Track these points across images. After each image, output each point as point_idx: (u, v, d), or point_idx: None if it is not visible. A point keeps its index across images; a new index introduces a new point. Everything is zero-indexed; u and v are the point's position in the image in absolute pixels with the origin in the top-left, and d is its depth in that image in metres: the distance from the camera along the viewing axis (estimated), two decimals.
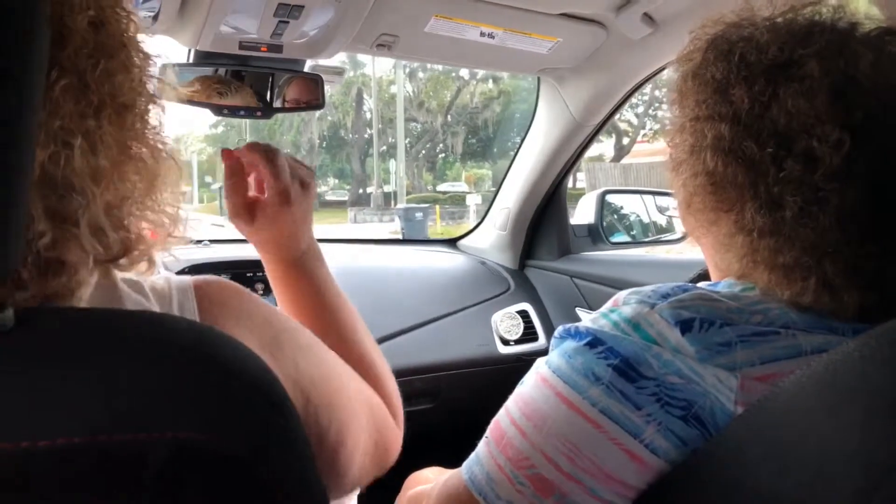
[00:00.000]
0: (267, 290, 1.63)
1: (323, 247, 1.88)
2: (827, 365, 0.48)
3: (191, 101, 1.32)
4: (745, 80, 0.60)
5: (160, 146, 0.50)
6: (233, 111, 1.42)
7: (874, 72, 0.57)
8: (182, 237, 0.54)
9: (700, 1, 1.19)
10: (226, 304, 0.53)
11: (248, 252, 1.70)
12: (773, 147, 0.58)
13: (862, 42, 0.59)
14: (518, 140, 1.91)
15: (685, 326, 0.55)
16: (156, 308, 0.49)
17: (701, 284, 0.66)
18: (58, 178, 0.41)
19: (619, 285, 1.62)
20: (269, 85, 1.44)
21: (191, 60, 1.33)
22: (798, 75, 0.58)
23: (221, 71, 1.38)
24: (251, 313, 0.54)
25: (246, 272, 1.63)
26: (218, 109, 1.40)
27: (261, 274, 1.63)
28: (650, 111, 21.02)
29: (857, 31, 0.61)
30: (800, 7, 0.63)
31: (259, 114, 1.46)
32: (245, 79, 1.41)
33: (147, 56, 0.49)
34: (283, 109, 1.49)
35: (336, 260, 1.80)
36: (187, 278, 0.53)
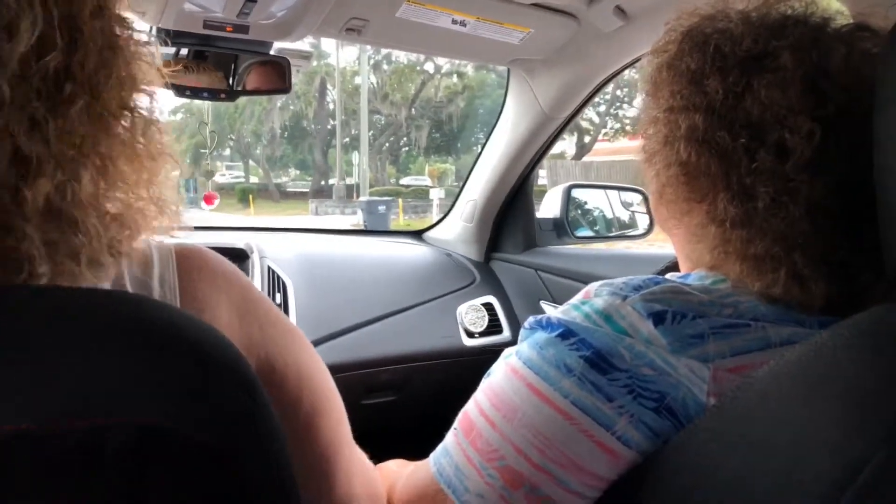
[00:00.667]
0: None
1: (284, 236, 1.86)
2: (800, 356, 0.48)
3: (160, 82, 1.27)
4: (719, 71, 0.60)
5: (160, 146, 0.48)
6: (196, 92, 1.38)
7: (846, 66, 0.57)
8: (167, 226, 0.51)
9: None
10: (204, 267, 0.51)
11: (209, 240, 1.66)
12: (746, 138, 0.58)
13: (834, 37, 0.60)
14: (482, 135, 1.92)
15: (658, 318, 0.55)
16: (136, 271, 0.47)
17: (670, 276, 0.66)
18: (63, 212, 0.38)
19: (584, 279, 1.63)
20: (234, 67, 1.40)
21: (153, 39, 1.28)
22: (772, 67, 0.58)
23: (184, 51, 1.33)
24: (229, 278, 0.53)
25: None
26: (180, 90, 1.36)
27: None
28: (611, 110, 21.31)
29: (830, 25, 0.62)
30: (773, 2, 0.64)
31: (223, 96, 1.42)
32: (208, 59, 1.37)
33: (145, 43, 0.46)
34: (247, 92, 1.45)
35: (301, 249, 1.77)
36: (169, 244, 0.51)
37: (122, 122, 0.44)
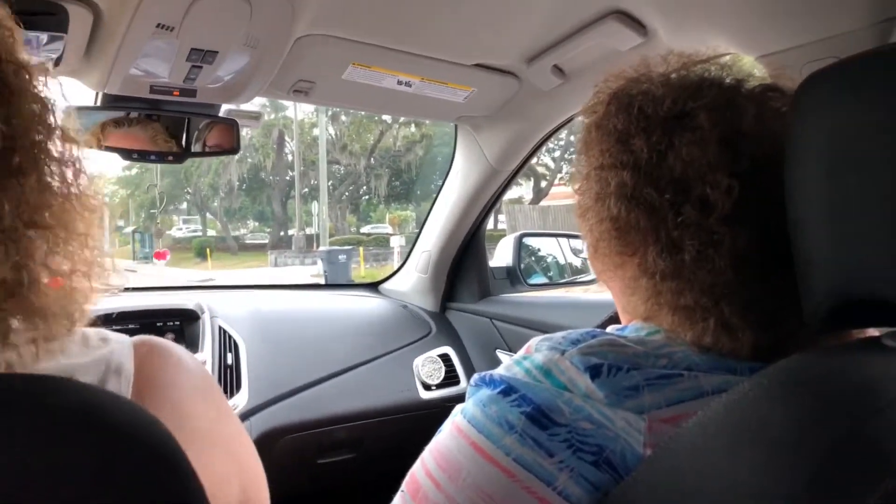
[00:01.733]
0: (178, 340, 1.57)
1: (238, 294, 1.84)
2: (726, 405, 0.50)
3: (99, 146, 1.27)
4: (643, 131, 0.63)
5: (91, 201, 0.49)
6: (143, 156, 1.38)
7: (757, 124, 0.61)
8: (113, 286, 0.52)
9: (604, 56, 1.26)
10: (160, 352, 0.52)
11: (158, 301, 1.63)
12: (671, 193, 0.60)
13: (747, 97, 0.64)
14: (440, 183, 1.94)
15: (594, 372, 0.56)
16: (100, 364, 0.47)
17: (610, 329, 0.67)
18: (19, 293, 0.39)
19: (538, 326, 1.65)
20: (186, 128, 1.41)
21: (98, 103, 1.29)
22: (691, 126, 0.61)
23: (134, 114, 1.34)
24: (185, 363, 0.54)
25: (156, 322, 1.56)
26: (127, 154, 1.35)
27: (171, 323, 1.56)
28: (566, 156, 21.79)
29: (743, 87, 0.65)
30: (691, 64, 0.68)
31: (171, 158, 1.42)
32: (160, 122, 1.37)
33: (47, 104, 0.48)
34: (197, 154, 1.46)
35: (256, 306, 1.75)
36: (125, 337, 0.52)
37: (59, 183, 0.45)
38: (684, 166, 0.60)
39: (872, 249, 0.48)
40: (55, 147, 0.46)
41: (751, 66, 0.73)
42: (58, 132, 0.47)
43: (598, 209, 0.66)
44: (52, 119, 0.47)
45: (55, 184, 0.46)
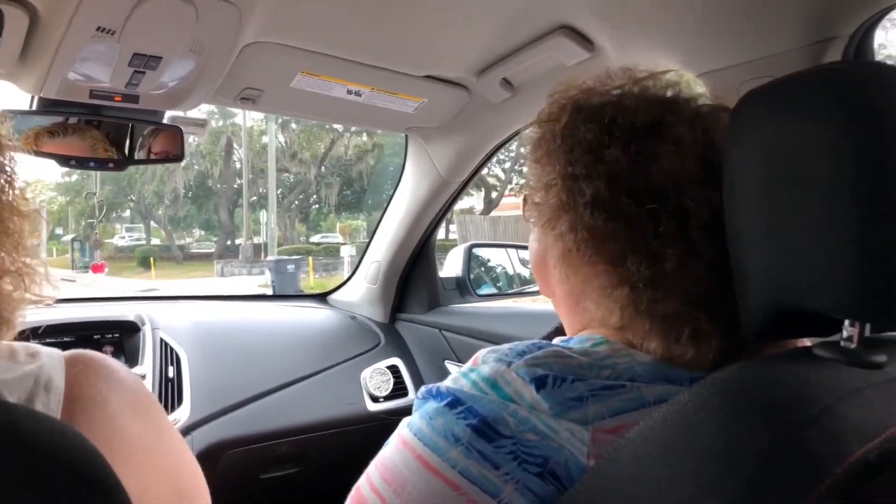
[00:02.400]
0: (116, 353, 1.52)
1: (181, 305, 1.79)
2: (666, 415, 0.51)
3: (35, 152, 1.22)
4: (619, 141, 0.63)
5: (24, 207, 0.47)
6: (81, 162, 1.33)
7: (722, 139, 0.63)
8: (45, 296, 0.50)
9: (551, 70, 1.28)
10: (92, 367, 0.50)
11: (96, 312, 1.57)
12: (651, 204, 0.61)
13: (709, 114, 0.66)
14: (392, 192, 1.93)
15: (539, 383, 0.56)
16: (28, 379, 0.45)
17: (556, 340, 0.68)
18: None
19: (487, 337, 1.66)
20: (129, 135, 1.37)
21: (34, 107, 1.24)
22: (671, 138, 0.62)
23: (73, 120, 1.29)
24: (120, 377, 0.52)
25: (93, 334, 1.51)
26: (64, 160, 1.31)
27: (109, 336, 1.51)
28: (516, 167, 22.05)
29: (702, 104, 0.67)
30: (641, 79, 0.69)
31: (112, 165, 1.38)
32: (101, 129, 1.33)
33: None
34: (140, 161, 1.42)
35: (200, 318, 1.71)
36: (57, 352, 0.50)
37: None
38: (665, 177, 0.61)
39: (805, 263, 0.50)
40: None
41: (694, 82, 0.75)
42: None
43: (569, 218, 0.66)
44: None
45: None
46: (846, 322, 0.51)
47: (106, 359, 0.55)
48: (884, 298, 0.47)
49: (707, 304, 0.59)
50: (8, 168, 0.47)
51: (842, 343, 0.52)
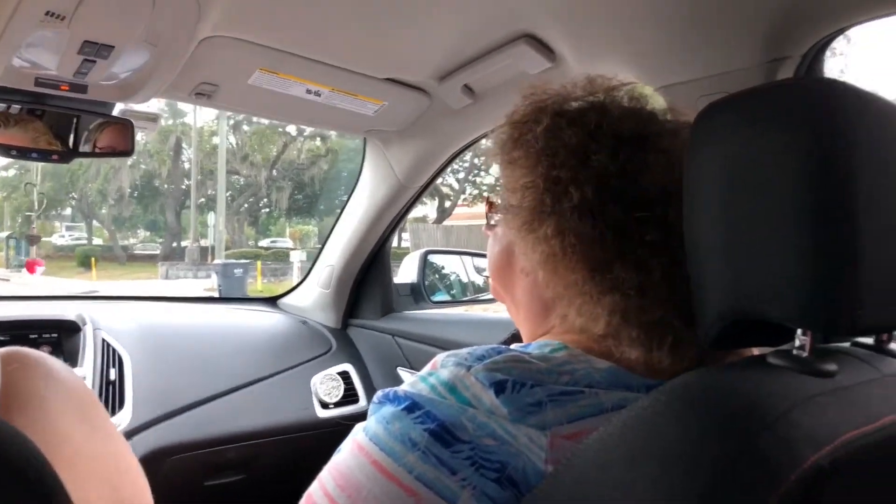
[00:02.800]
0: (55, 354, 1.45)
1: (126, 305, 1.73)
2: (625, 421, 0.51)
3: None
4: (606, 148, 0.63)
5: None
6: (23, 153, 1.27)
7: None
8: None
9: (513, 78, 1.28)
10: (30, 365, 0.47)
11: (33, 311, 1.51)
12: (636, 212, 0.61)
13: (685, 126, 0.66)
14: (345, 198, 1.91)
15: (499, 388, 0.56)
16: None
17: (514, 346, 0.67)
18: None
19: (440, 343, 1.65)
20: (74, 127, 1.32)
21: None
22: (660, 148, 0.63)
23: (16, 109, 1.24)
24: (59, 376, 0.50)
25: (29, 334, 1.44)
26: (5, 151, 1.25)
27: (47, 335, 1.45)
28: (470, 177, 22.21)
29: (669, 117, 0.68)
30: (612, 88, 0.69)
31: (56, 157, 1.32)
32: (45, 120, 1.27)
33: None
34: (86, 154, 1.36)
35: (144, 319, 1.65)
36: None
37: None
38: (654, 186, 0.61)
39: (759, 272, 0.51)
40: None
41: (653, 96, 0.76)
42: None
43: (555, 222, 0.64)
44: None
45: None
46: (798, 331, 0.52)
47: (44, 357, 0.53)
48: (834, 308, 0.48)
49: (686, 314, 0.59)
50: None
51: (794, 352, 0.53)
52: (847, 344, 0.62)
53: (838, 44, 0.97)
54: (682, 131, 0.65)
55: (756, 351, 0.65)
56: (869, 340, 0.61)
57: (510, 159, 0.70)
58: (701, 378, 0.53)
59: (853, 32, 0.98)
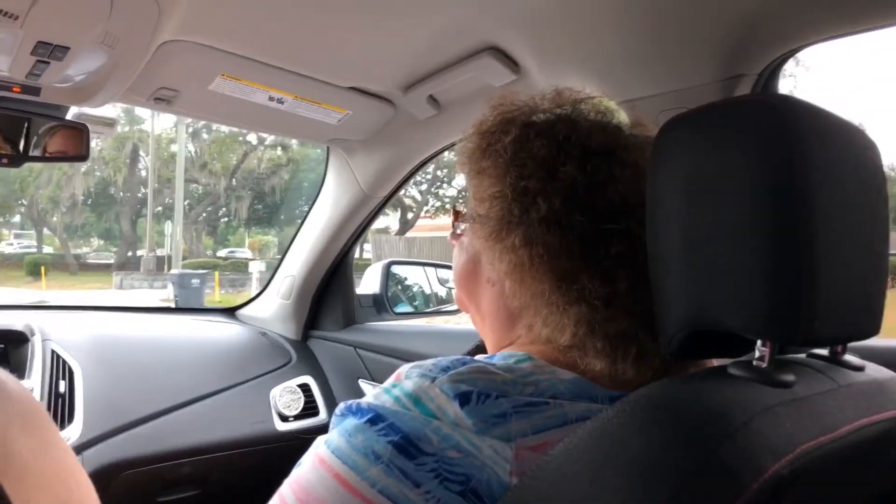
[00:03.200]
0: (1, 364, 1.40)
1: (77, 315, 1.68)
2: (590, 432, 0.51)
3: None
4: (574, 160, 0.63)
5: None
6: None
7: None
8: None
9: (478, 90, 1.29)
10: None
11: (2, 319, 1.45)
12: (603, 224, 0.61)
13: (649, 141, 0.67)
14: (306, 208, 1.89)
15: (463, 399, 0.55)
16: None
17: (479, 357, 0.67)
18: None
19: (402, 355, 1.64)
20: (25, 130, 1.27)
21: None
22: (627, 161, 0.63)
23: None
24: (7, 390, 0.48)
25: None
26: None
27: None
28: (432, 189, 22.27)
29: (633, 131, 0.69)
30: (579, 101, 0.70)
31: (5, 161, 1.28)
32: None
33: None
34: (38, 159, 1.32)
35: (96, 330, 1.60)
36: None
37: None
38: (620, 199, 0.62)
39: (720, 284, 0.52)
40: None
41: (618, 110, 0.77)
42: None
43: (522, 232, 0.64)
44: None
45: None
46: (758, 342, 0.53)
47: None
48: (791, 319, 0.49)
49: (650, 326, 0.60)
50: None
51: (754, 362, 0.53)
52: (803, 356, 0.63)
53: (788, 65, 1.01)
54: (648, 146, 0.66)
55: (717, 362, 0.66)
56: (824, 352, 0.63)
57: (478, 169, 0.70)
58: (664, 389, 0.53)
59: (802, 55, 1.02)
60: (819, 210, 0.49)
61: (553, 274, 0.63)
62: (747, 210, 0.50)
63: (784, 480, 0.44)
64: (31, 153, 1.29)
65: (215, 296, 16.17)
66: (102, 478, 1.29)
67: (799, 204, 0.49)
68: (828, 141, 0.53)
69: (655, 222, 0.57)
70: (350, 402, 0.60)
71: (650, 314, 0.59)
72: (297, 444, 1.58)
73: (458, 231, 0.79)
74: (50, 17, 0.94)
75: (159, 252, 22.73)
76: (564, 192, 0.63)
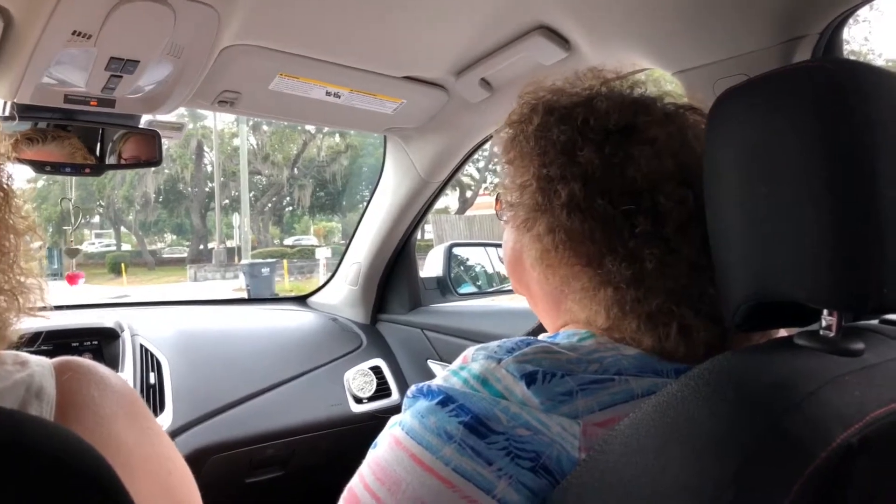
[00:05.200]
0: (97, 359, 1.50)
1: (160, 311, 1.77)
2: (655, 406, 0.52)
3: (12, 160, 1.20)
4: (592, 143, 0.64)
5: (20, 223, 0.46)
6: (57, 168, 1.31)
7: (694, 139, 0.64)
8: (41, 307, 0.51)
9: (529, 70, 1.29)
10: (82, 371, 0.49)
11: (72, 320, 1.55)
12: (626, 204, 0.62)
13: (677, 113, 0.67)
14: (367, 193, 1.94)
15: (530, 379, 0.57)
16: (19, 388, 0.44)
17: (542, 336, 0.68)
18: None
19: (468, 335, 1.66)
20: (100, 140, 1.35)
21: (7, 113, 1.21)
22: (645, 139, 0.63)
23: (42, 125, 1.27)
24: (108, 381, 0.52)
25: (71, 342, 1.49)
26: (39, 166, 1.29)
27: (88, 343, 1.49)
28: (490, 166, 22.11)
29: (674, 105, 0.69)
30: (609, 80, 0.70)
31: (88, 171, 1.36)
32: (72, 133, 1.31)
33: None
34: (116, 166, 1.40)
35: (178, 323, 1.69)
36: (45, 360, 0.50)
37: None
38: (642, 178, 0.62)
39: (783, 254, 0.52)
40: None
41: (667, 80, 0.76)
42: None
43: (546, 220, 0.66)
44: None
45: None
46: (824, 311, 0.53)
47: (95, 365, 0.55)
48: (859, 287, 0.49)
49: (690, 300, 0.60)
50: (5, 185, 0.46)
51: (821, 332, 0.53)
52: (875, 321, 0.62)
53: (862, 10, 0.95)
54: (678, 117, 0.66)
55: (783, 332, 0.65)
56: None
57: (508, 160, 0.72)
58: (728, 361, 0.54)
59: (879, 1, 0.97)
60: (884, 175, 0.48)
61: (577, 259, 0.65)
62: (810, 179, 0.50)
63: (853, 449, 0.44)
64: (107, 161, 1.37)
65: (285, 283, 16.57)
66: (193, 462, 1.36)
67: (862, 171, 0.48)
68: (892, 104, 0.51)
69: (714, 195, 0.57)
70: (421, 384, 0.62)
71: (688, 289, 0.60)
72: (372, 424, 1.63)
73: (504, 218, 0.81)
74: (119, 34, 1.00)
75: (229, 244, 23.46)
76: (584, 177, 0.64)
